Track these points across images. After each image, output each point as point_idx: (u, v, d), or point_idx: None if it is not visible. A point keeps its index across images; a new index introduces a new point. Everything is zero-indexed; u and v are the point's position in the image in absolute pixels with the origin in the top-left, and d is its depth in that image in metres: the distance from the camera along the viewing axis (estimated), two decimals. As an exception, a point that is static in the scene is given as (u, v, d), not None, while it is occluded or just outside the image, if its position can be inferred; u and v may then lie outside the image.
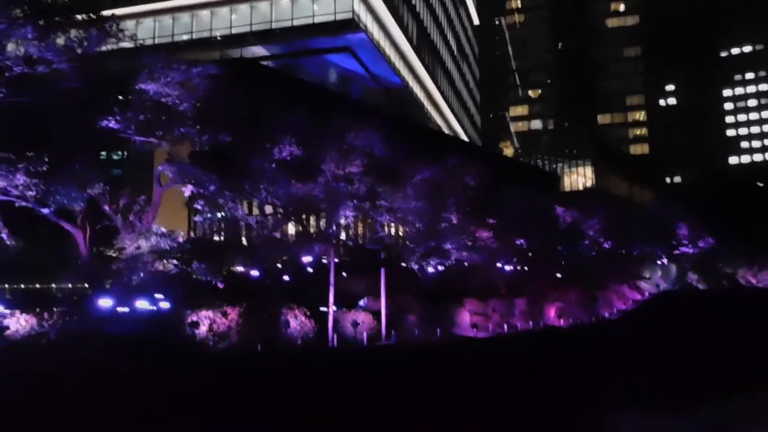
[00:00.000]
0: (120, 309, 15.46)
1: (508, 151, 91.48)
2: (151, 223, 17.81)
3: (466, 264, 27.25)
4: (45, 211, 15.66)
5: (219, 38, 41.06)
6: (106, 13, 16.86)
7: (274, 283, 19.84)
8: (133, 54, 18.81)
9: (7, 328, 13.64)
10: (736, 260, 47.67)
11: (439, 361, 17.30)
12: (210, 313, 16.03)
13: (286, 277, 21.11)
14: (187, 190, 17.96)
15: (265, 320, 16.99)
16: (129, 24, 30.89)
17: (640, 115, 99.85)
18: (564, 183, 69.85)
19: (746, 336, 23.52)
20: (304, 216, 23.87)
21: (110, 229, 17.70)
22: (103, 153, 22.52)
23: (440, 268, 25.95)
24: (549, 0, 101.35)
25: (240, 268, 20.65)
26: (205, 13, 41.82)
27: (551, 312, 29.46)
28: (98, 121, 15.96)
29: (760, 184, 75.51)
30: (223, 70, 18.26)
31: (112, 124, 16.15)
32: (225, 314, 16.22)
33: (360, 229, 30.30)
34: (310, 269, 22.13)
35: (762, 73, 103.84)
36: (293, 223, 24.35)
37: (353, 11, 38.64)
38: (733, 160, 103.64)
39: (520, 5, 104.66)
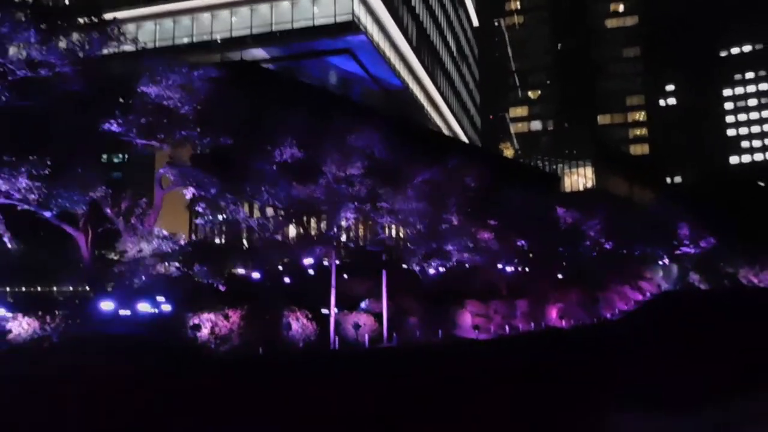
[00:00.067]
0: (122, 312, 15.48)
1: (508, 152, 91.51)
2: (153, 226, 17.85)
3: (467, 265, 27.24)
4: (47, 214, 15.70)
5: (219, 41, 41.19)
6: (108, 16, 16.92)
7: (276, 286, 19.85)
8: (134, 57, 18.86)
9: (10, 331, 13.67)
10: (737, 260, 47.62)
11: (441, 363, 17.29)
12: (212, 316, 16.05)
13: (287, 280, 21.12)
14: (189, 193, 17.99)
15: (267, 323, 17.00)
16: (130, 27, 30.98)
17: (640, 116, 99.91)
18: (564, 184, 69.86)
19: (748, 336, 23.49)
20: (305, 218, 23.89)
21: (112, 232, 17.73)
22: (104, 156, 22.58)
23: (441, 269, 25.95)
24: (548, 1, 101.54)
25: (241, 271, 20.67)
26: (205, 16, 41.96)
27: (553, 313, 29.42)
28: (100, 124, 16.00)
29: (761, 184, 75.42)
30: (224, 72, 18.30)
31: (114, 127, 16.19)
32: (226, 317, 16.24)
33: (361, 231, 30.32)
34: (311, 271, 22.14)
35: (762, 73, 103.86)
36: (294, 225, 24.37)
37: (353, 13, 38.74)
38: (733, 159, 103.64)
39: (519, 7, 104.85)
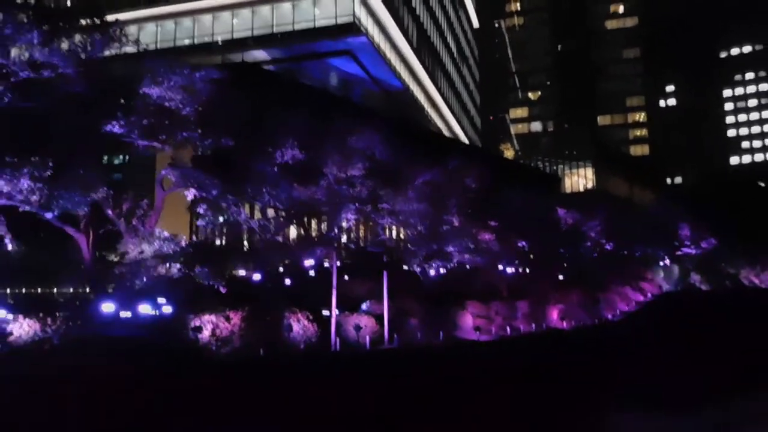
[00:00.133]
0: (123, 314, 15.49)
1: (509, 153, 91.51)
2: (154, 227, 17.86)
3: (467, 266, 27.23)
4: (48, 215, 15.71)
5: (221, 43, 41.26)
6: (109, 18, 16.97)
7: (277, 287, 19.85)
8: (135, 59, 18.92)
9: (11, 333, 13.67)
10: (738, 261, 47.55)
11: (443, 365, 17.28)
12: (213, 318, 16.05)
13: (288, 281, 21.11)
14: (190, 194, 18.01)
15: (268, 324, 17.00)
16: (131, 29, 31.04)
17: (640, 117, 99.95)
18: (565, 184, 69.87)
19: (748, 337, 23.50)
20: (306, 219, 23.89)
21: (113, 234, 17.75)
22: (105, 157, 22.59)
23: (442, 270, 25.94)
24: (548, 2, 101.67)
25: (242, 272, 20.67)
26: (207, 18, 42.04)
27: (554, 314, 29.39)
28: (102, 126, 16.03)
29: (762, 184, 75.38)
30: (225, 74, 18.34)
31: (116, 129, 16.22)
32: (228, 319, 16.23)
33: (362, 232, 30.31)
34: (312, 273, 22.13)
35: (762, 73, 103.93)
36: (295, 226, 24.37)
37: (354, 15, 38.81)
38: (733, 160, 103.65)
39: (519, 8, 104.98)
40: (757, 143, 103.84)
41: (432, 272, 25.58)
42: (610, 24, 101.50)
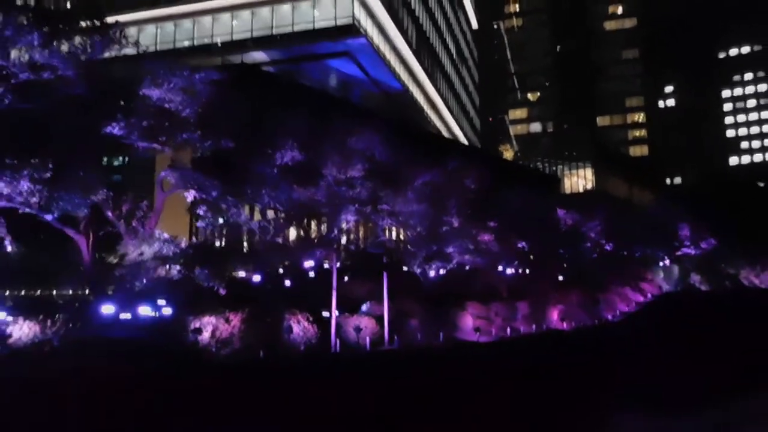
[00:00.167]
0: (122, 315, 15.47)
1: (508, 154, 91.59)
2: (154, 229, 17.86)
3: (467, 267, 27.24)
4: (48, 217, 15.71)
5: (220, 44, 41.30)
6: (110, 20, 17.00)
7: (276, 289, 19.84)
8: (135, 60, 18.94)
9: (10, 335, 13.66)
10: (738, 261, 47.56)
11: (443, 366, 17.28)
12: (212, 319, 16.03)
13: (288, 283, 21.10)
14: (190, 196, 18.02)
15: (268, 326, 16.98)
16: (131, 31, 31.09)
17: (640, 117, 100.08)
18: (564, 185, 69.92)
19: (748, 337, 23.51)
20: (305, 220, 23.90)
21: (113, 235, 17.75)
22: (105, 159, 22.60)
23: (442, 271, 25.94)
24: (547, 4, 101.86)
25: (242, 274, 20.66)
26: (206, 20, 42.08)
27: (554, 315, 29.39)
28: (102, 127, 16.05)
29: (761, 185, 75.46)
30: (225, 75, 18.37)
31: (116, 130, 16.24)
32: (227, 320, 16.22)
33: (362, 234, 30.32)
34: (312, 274, 22.13)
35: (761, 74, 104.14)
36: (295, 227, 24.38)
37: (353, 16, 38.86)
38: (733, 160, 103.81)
39: (518, 9, 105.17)
40: (756, 144, 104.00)
41: (432, 273, 25.58)
42: (609, 25, 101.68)
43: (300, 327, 17.69)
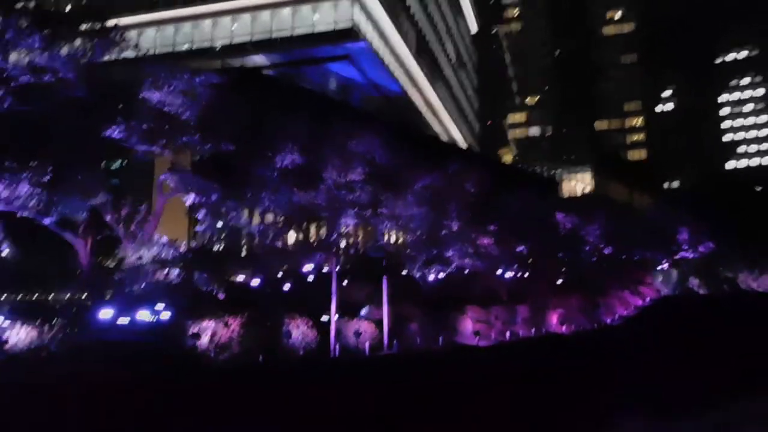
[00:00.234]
0: (121, 320, 15.37)
1: (507, 158, 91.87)
2: (153, 233, 17.79)
3: (467, 271, 27.21)
4: (46, 221, 15.63)
5: (220, 48, 41.35)
6: (110, 23, 16.98)
7: (276, 293, 19.77)
8: (135, 64, 18.93)
9: (7, 341, 13.54)
10: (736, 265, 47.70)
11: (442, 370, 17.23)
12: (212, 324, 15.94)
13: (287, 287, 21.03)
14: (189, 199, 17.96)
15: (267, 330, 16.90)
16: (131, 34, 31.09)
17: (638, 121, 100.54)
18: (563, 189, 70.08)
19: (746, 341, 23.54)
20: (305, 224, 23.86)
21: (111, 239, 17.66)
22: (104, 162, 22.49)
23: (441, 275, 25.90)
24: (546, 8, 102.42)
25: (241, 278, 20.58)
26: (206, 23, 42.16)
27: (553, 319, 29.37)
28: (102, 131, 16.00)
29: (758, 188, 75.78)
30: (225, 79, 18.36)
31: (116, 134, 16.19)
32: (227, 324, 16.13)
33: (361, 237, 30.28)
34: (311, 278, 22.07)
35: (757, 78, 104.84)
36: (294, 231, 24.34)
37: (353, 20, 38.98)
38: (729, 164, 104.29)
39: (517, 14, 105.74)
40: (753, 147, 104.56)
41: (431, 277, 25.54)
42: (608, 29, 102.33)
43: (299, 331, 17.62)
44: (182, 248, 18.41)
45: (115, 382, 11.66)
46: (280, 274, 21.64)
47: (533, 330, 26.97)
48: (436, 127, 59.75)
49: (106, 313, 15.24)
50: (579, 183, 71.39)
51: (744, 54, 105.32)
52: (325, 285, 19.38)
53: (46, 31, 14.69)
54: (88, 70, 15.77)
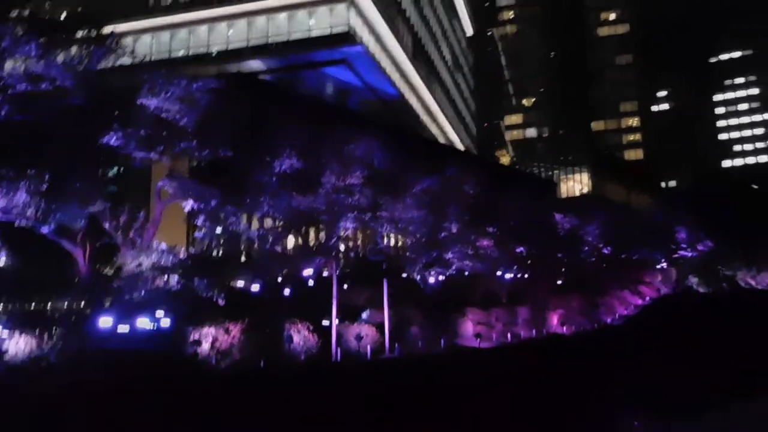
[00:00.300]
0: (120, 328, 15.27)
1: (505, 160, 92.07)
2: (152, 240, 17.72)
3: (467, 273, 27.20)
4: (44, 229, 15.54)
5: (216, 53, 41.36)
6: (106, 29, 16.97)
7: (276, 298, 19.70)
8: (131, 70, 18.89)
9: (6, 351, 13.43)
10: (735, 263, 47.85)
11: (444, 374, 17.19)
12: (212, 330, 15.87)
13: (287, 291, 20.96)
14: (188, 205, 17.90)
15: (268, 336, 16.83)
16: (127, 40, 31.07)
17: (634, 121, 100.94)
18: (561, 189, 70.23)
19: (746, 340, 23.59)
20: (304, 228, 23.81)
21: (110, 247, 17.58)
22: (101, 169, 22.40)
23: (441, 278, 25.88)
24: (542, 10, 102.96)
25: (241, 283, 20.50)
26: (202, 29, 42.17)
27: (554, 320, 29.38)
28: (99, 138, 15.95)
29: (755, 187, 76.19)
30: (222, 84, 18.35)
31: (113, 141, 16.14)
32: (227, 331, 16.06)
33: (361, 241, 30.25)
34: (311, 282, 22.00)
35: (751, 78, 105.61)
36: (294, 235, 24.29)
37: (349, 24, 39.07)
38: (726, 163, 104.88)
39: (513, 16, 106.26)
40: (748, 146, 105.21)
41: (432, 279, 25.51)
42: (603, 31, 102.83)
43: (300, 336, 17.55)
44: (181, 254, 18.32)
45: (115, 391, 11.57)
46: (280, 279, 21.58)
47: (534, 331, 26.95)
48: (434, 130, 59.86)
49: (105, 321, 15.15)
50: (576, 183, 71.59)
51: (738, 54, 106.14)
52: (325, 289, 19.33)
53: (42, 39, 14.65)
54: (85, 77, 15.72)
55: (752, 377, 20.09)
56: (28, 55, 14.52)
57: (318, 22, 39.85)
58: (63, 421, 10.61)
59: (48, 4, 18.42)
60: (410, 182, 24.26)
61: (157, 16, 41.96)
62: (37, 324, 14.29)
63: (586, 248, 38.40)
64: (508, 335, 25.20)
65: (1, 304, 16.45)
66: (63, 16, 17.87)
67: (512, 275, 31.76)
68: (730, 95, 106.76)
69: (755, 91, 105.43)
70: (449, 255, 25.09)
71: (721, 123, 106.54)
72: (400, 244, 29.52)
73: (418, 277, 24.93)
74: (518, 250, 31.67)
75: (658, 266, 49.20)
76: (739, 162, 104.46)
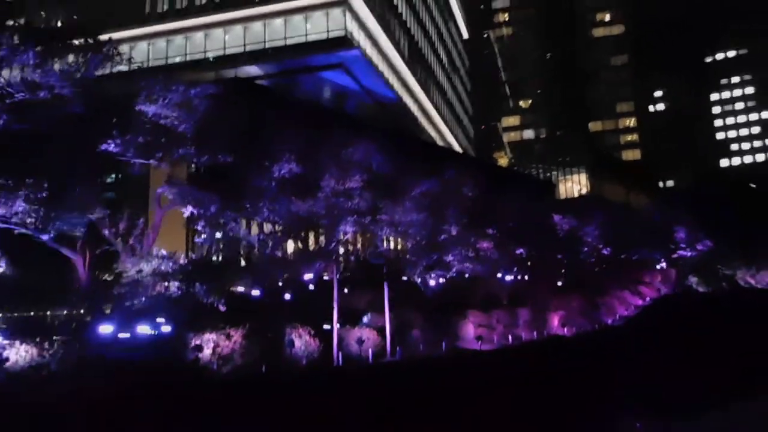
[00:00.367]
0: (121, 335, 15.24)
1: (503, 161, 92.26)
2: (152, 246, 17.71)
3: (467, 275, 27.21)
4: (44, 237, 15.53)
5: (214, 59, 41.46)
6: (103, 37, 17.02)
7: (277, 303, 19.67)
8: (128, 77, 18.94)
9: (7, 359, 13.38)
10: (734, 262, 47.92)
11: (446, 377, 17.18)
12: (213, 336, 15.84)
13: (288, 296, 20.94)
14: (187, 211, 17.91)
15: (269, 341, 16.80)
16: (124, 48, 31.10)
17: (631, 122, 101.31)
18: (559, 190, 70.34)
19: (745, 339, 23.63)
20: (304, 233, 23.81)
21: (110, 253, 17.56)
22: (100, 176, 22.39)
23: (442, 280, 25.88)
24: (537, 12, 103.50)
25: (241, 288, 20.48)
26: (198, 35, 42.28)
27: (554, 321, 29.38)
28: (98, 145, 15.97)
29: (753, 186, 76.42)
30: (220, 90, 18.40)
31: (112, 148, 16.17)
32: (228, 336, 16.03)
33: (361, 244, 30.25)
34: (312, 286, 21.99)
35: (747, 77, 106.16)
36: (294, 240, 24.28)
37: (346, 29, 39.22)
38: (723, 162, 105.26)
39: (508, 18, 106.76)
40: (745, 145, 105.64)
41: (432, 282, 25.51)
42: (598, 32, 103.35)
43: (302, 341, 17.52)
44: (181, 260, 18.30)
45: (117, 398, 11.53)
46: (280, 284, 21.55)
47: (535, 333, 26.94)
48: (432, 133, 59.99)
49: (106, 329, 15.11)
50: (575, 184, 71.69)
51: (733, 53, 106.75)
52: (326, 293, 19.32)
53: (40, 48, 14.69)
54: (83, 85, 15.76)
55: (752, 376, 20.12)
56: (26, 63, 14.55)
57: (314, 27, 39.99)
58: (64, 429, 10.57)
59: (45, 13, 18.50)
60: (409, 185, 24.30)
61: (153, 23, 42.05)
62: (37, 332, 14.25)
63: (586, 249, 38.45)
64: (509, 337, 25.19)
65: (2, 312, 16.41)
66: (59, 24, 17.92)
67: (512, 277, 31.77)
68: (726, 94, 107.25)
69: (751, 90, 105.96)
70: (449, 257, 25.10)
71: (717, 122, 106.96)
72: (400, 247, 29.53)
73: (419, 280, 24.93)
74: (518, 251, 31.70)
75: (658, 266, 49.23)
76: (736, 161, 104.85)
